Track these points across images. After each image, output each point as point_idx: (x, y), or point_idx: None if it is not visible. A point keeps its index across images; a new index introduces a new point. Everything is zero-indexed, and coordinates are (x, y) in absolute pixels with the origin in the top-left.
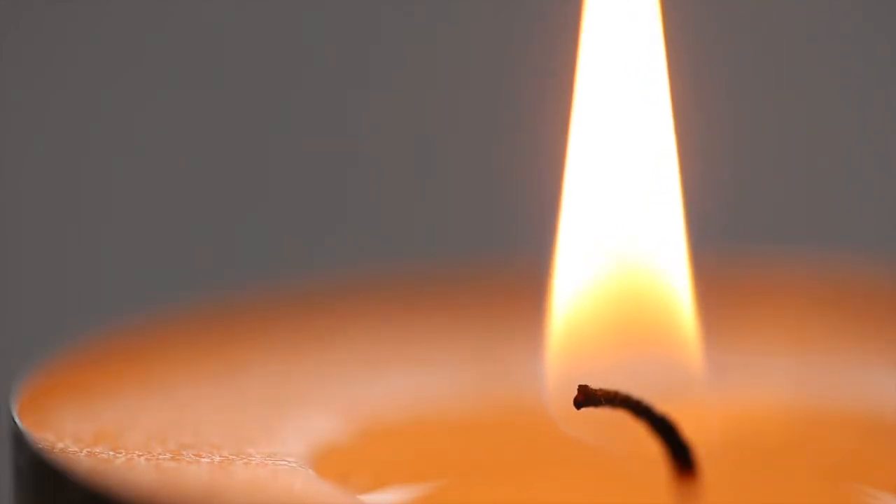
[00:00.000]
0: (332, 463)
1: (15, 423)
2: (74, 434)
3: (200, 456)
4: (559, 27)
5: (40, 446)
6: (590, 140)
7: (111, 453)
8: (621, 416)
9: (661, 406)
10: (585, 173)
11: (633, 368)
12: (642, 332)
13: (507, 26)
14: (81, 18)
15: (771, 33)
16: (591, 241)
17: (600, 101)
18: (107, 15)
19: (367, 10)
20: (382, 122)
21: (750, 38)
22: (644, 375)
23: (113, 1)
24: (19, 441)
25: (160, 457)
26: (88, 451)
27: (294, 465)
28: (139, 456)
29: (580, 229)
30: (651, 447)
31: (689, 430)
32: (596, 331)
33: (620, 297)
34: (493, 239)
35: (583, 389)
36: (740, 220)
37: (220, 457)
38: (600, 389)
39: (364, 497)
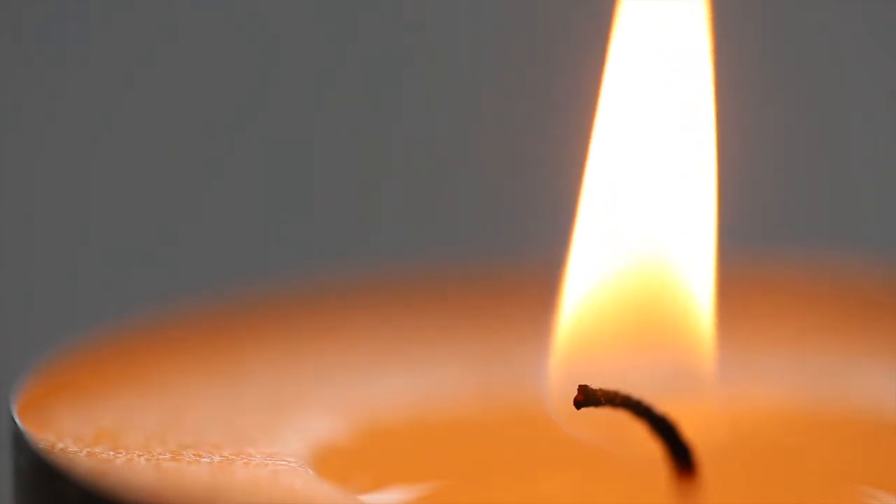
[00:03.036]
0: (332, 463)
1: (15, 423)
2: (74, 434)
3: (200, 456)
4: (585, 17)
5: (40, 446)
6: (608, 137)
7: (111, 453)
8: (621, 416)
9: (662, 406)
10: (602, 170)
11: (638, 369)
12: (651, 333)
13: (529, 16)
14: (82, 16)
15: (791, 38)
16: (602, 242)
17: (623, 96)
18: (111, 12)
19: (386, 5)
20: (387, 120)
21: (770, 43)
22: (651, 376)
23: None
24: (19, 441)
25: (160, 457)
26: (88, 451)
27: (294, 465)
28: (139, 456)
29: (592, 228)
30: (651, 447)
31: (690, 430)
32: (602, 330)
33: (629, 298)
34: (498, 237)
35: (583, 389)
36: (740, 220)
37: (220, 457)
38: (600, 389)
39: (364, 497)
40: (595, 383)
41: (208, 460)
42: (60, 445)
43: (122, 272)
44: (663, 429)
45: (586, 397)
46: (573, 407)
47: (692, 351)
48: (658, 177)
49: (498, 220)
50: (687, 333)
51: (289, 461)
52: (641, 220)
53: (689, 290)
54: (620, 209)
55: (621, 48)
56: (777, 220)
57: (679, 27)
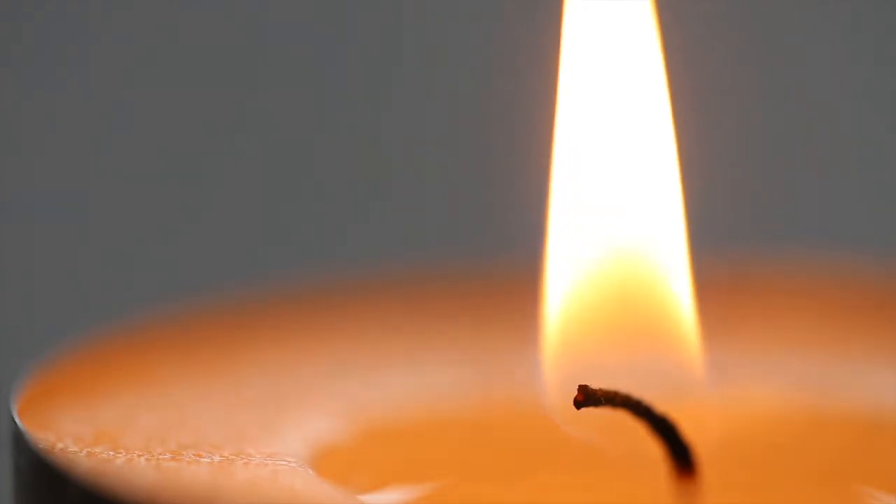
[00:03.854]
0: (332, 463)
1: (15, 423)
2: (74, 434)
3: (200, 456)
4: (557, 17)
5: (40, 446)
6: (589, 136)
7: (111, 453)
8: (621, 416)
9: (661, 406)
10: (585, 171)
11: (633, 368)
12: (642, 332)
13: (502, 18)
14: (82, 16)
15: (777, 32)
16: (590, 241)
17: (599, 96)
18: (111, 12)
19: (355, 10)
20: (378, 123)
21: (756, 35)
22: (644, 375)
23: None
24: (19, 441)
25: (160, 457)
26: (88, 451)
27: (294, 465)
28: (139, 456)
29: (579, 228)
30: (651, 447)
31: (689, 430)
32: (596, 330)
33: (621, 297)
34: (494, 238)
35: (583, 389)
36: (741, 220)
37: (220, 457)
38: (600, 389)
39: (364, 497)
40: (593, 383)
41: (208, 460)
42: (60, 445)
43: (122, 272)
44: (663, 429)
45: (586, 397)
46: (573, 407)
47: (681, 349)
48: (649, 177)
49: (498, 220)
50: (680, 333)
51: (289, 461)
52: (634, 220)
53: (683, 289)
54: (612, 210)
55: (578, 45)
56: (777, 219)
57: (650, 23)
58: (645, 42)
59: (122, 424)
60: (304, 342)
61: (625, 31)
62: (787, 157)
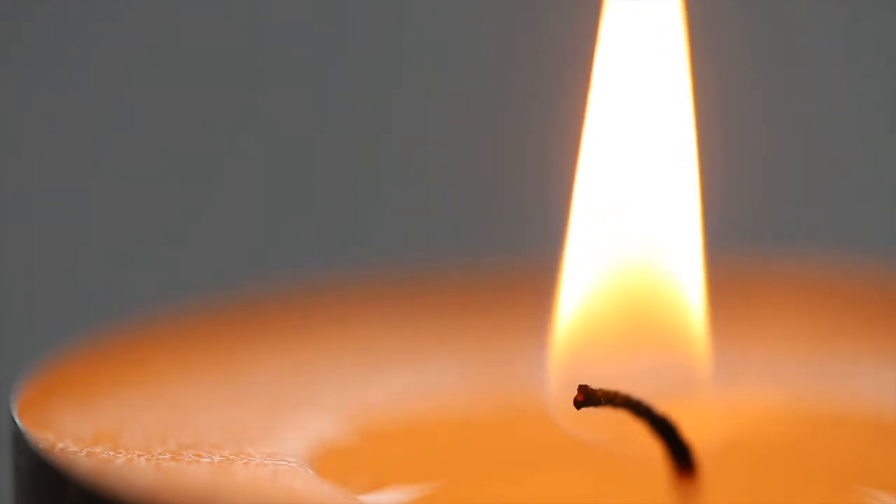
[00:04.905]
0: (332, 463)
1: (15, 423)
2: (74, 434)
3: (200, 456)
4: (575, 19)
5: (40, 446)
6: (601, 138)
7: (111, 453)
8: (621, 416)
9: (662, 406)
10: (594, 171)
11: (637, 369)
12: (648, 333)
13: (518, 18)
14: (82, 16)
15: (784, 35)
16: (597, 241)
17: (613, 97)
18: (112, 12)
19: (355, 10)
20: (385, 120)
21: (764, 39)
22: (649, 376)
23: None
24: (19, 441)
25: (160, 457)
26: (88, 451)
27: (294, 465)
28: (139, 456)
29: (587, 229)
30: (651, 447)
31: (689, 430)
32: (600, 330)
33: (626, 297)
34: (496, 238)
35: (583, 389)
36: (741, 220)
37: (220, 457)
38: (600, 389)
39: (364, 497)
40: (594, 383)
41: (208, 460)
42: (60, 445)
43: (122, 272)
44: (663, 429)
45: (586, 397)
46: (573, 407)
47: (687, 350)
48: (652, 177)
49: (497, 220)
50: (682, 333)
51: (289, 461)
52: (636, 220)
53: (684, 290)
54: (616, 210)
55: (609, 48)
56: (777, 219)
57: (663, 26)
58: (670, 49)
59: (122, 424)
60: (304, 342)
61: (651, 36)
62: (787, 157)
